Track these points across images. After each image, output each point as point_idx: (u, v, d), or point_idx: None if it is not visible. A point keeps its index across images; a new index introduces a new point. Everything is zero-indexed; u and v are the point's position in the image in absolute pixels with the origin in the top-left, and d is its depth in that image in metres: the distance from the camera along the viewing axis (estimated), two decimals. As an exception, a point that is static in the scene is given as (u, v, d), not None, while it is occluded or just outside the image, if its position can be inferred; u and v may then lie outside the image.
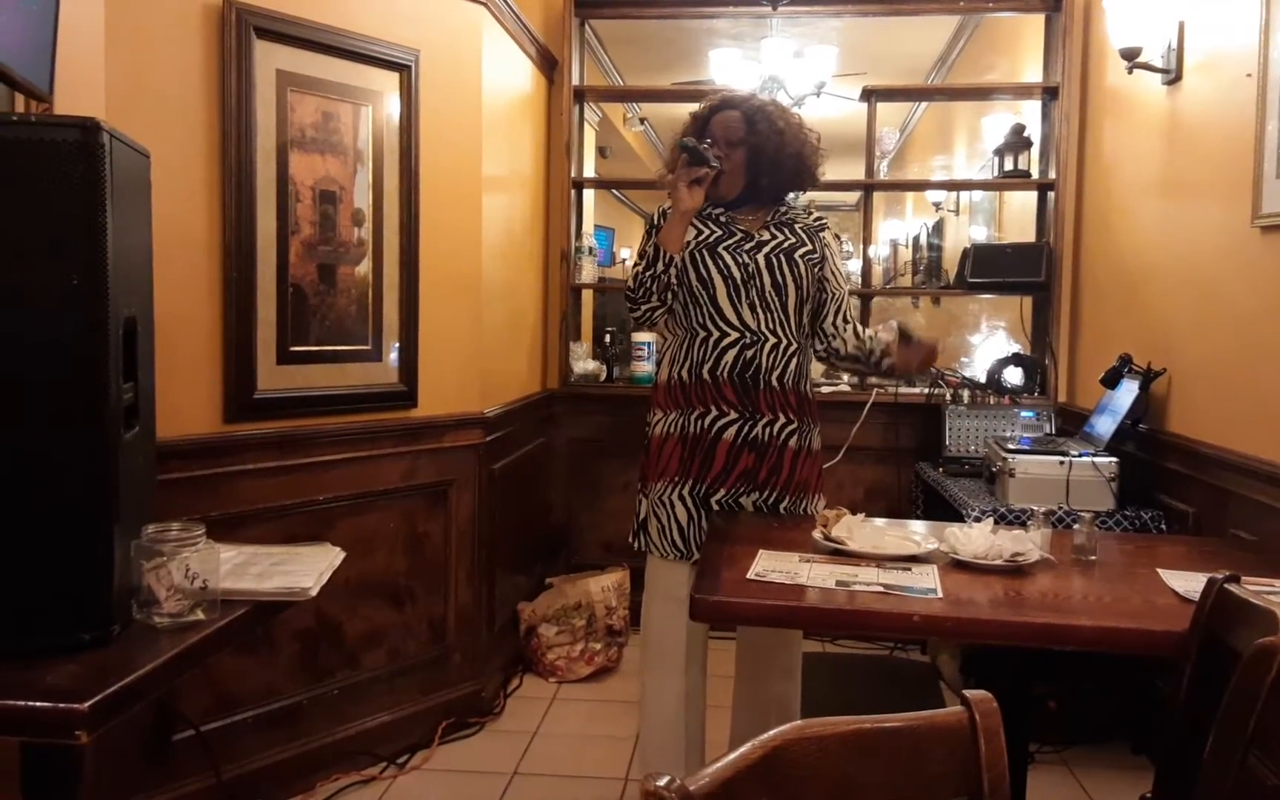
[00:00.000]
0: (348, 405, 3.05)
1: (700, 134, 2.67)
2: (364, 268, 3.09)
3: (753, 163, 2.68)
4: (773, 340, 2.64)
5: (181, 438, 2.56)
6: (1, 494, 1.39)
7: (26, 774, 1.51)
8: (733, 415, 2.63)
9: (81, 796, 1.57)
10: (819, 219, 2.79)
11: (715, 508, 2.62)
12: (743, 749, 0.95)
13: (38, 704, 1.26)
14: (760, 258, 2.64)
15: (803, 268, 2.67)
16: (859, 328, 2.79)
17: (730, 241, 2.66)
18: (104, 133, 1.41)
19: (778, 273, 2.64)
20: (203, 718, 2.66)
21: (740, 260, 2.63)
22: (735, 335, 2.63)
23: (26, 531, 1.40)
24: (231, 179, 2.69)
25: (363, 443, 3.10)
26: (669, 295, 2.65)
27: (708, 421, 2.63)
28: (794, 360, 2.67)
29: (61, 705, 1.25)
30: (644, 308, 2.67)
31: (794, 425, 2.66)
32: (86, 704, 1.24)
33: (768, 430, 2.64)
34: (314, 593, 1.70)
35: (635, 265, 2.73)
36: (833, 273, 2.76)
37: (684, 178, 2.55)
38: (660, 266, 2.61)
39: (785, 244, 2.68)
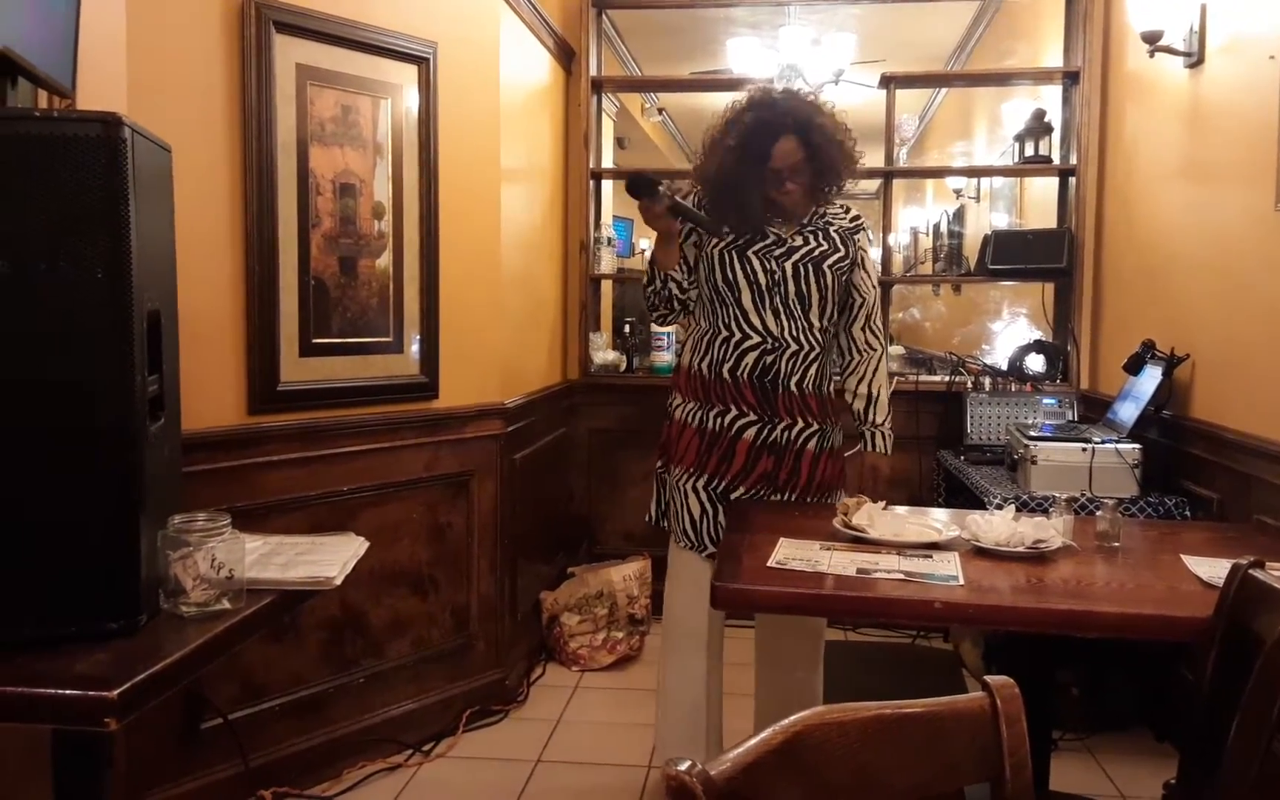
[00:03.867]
0: (369, 397, 3.07)
1: (751, 152, 2.62)
2: (384, 260, 3.10)
3: (815, 187, 2.66)
4: (793, 347, 2.63)
5: (206, 429, 2.58)
6: (30, 486, 1.41)
7: (57, 761, 1.53)
8: (752, 416, 2.63)
9: (111, 783, 1.59)
10: (856, 218, 2.76)
11: None
12: (764, 734, 0.96)
13: (68, 692, 1.27)
14: (788, 265, 2.63)
15: (829, 278, 2.65)
16: (873, 388, 2.75)
17: (761, 245, 2.65)
18: (126, 127, 1.42)
19: (803, 282, 2.63)
20: (230, 706, 2.69)
21: (768, 266, 2.62)
22: (757, 339, 2.62)
23: (55, 523, 1.42)
24: (252, 173, 2.71)
25: (385, 434, 3.11)
26: (678, 303, 2.73)
27: (727, 420, 2.64)
28: (814, 365, 2.66)
29: (91, 693, 1.26)
30: (662, 313, 2.78)
31: (814, 428, 2.66)
32: (115, 692, 1.26)
33: (786, 434, 2.64)
34: (338, 582, 1.71)
35: (646, 279, 2.78)
36: (863, 278, 2.73)
37: (649, 211, 2.59)
38: (659, 284, 2.69)
39: (816, 251, 2.65)
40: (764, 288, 2.62)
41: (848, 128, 2.70)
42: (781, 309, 2.63)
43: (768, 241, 2.65)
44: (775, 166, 2.61)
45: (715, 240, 2.66)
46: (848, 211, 2.76)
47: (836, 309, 2.71)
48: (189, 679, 1.46)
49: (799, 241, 2.66)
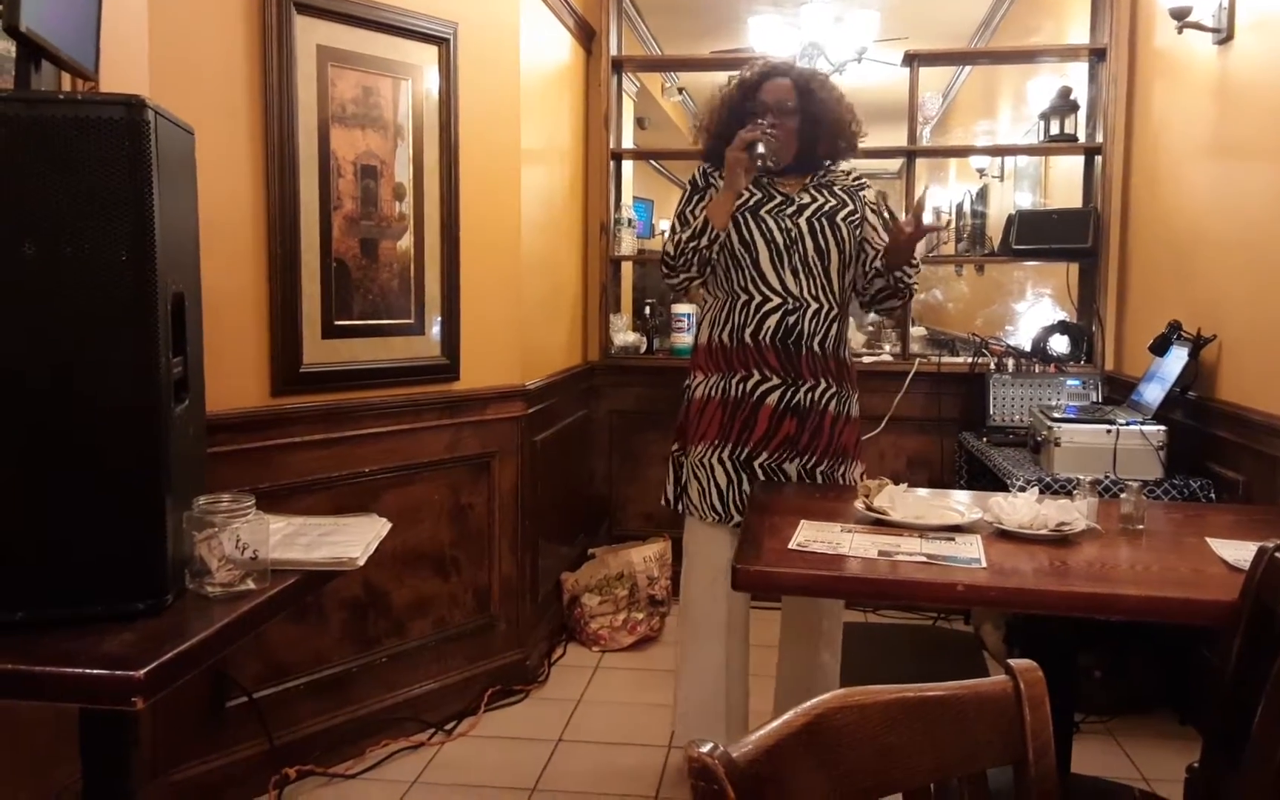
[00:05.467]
0: (391, 378, 3.08)
1: (749, 98, 2.69)
2: (405, 242, 3.10)
3: (805, 131, 2.69)
4: (814, 305, 2.63)
5: (230, 411, 2.60)
6: (57, 468, 1.42)
7: (84, 739, 1.55)
8: (775, 380, 2.63)
9: (137, 761, 1.61)
10: (858, 178, 2.79)
11: (759, 472, 2.63)
12: (786, 716, 0.96)
13: (95, 671, 1.29)
14: (802, 222, 2.64)
15: (845, 231, 2.66)
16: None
17: (772, 205, 2.66)
18: (149, 110, 1.43)
19: (820, 237, 2.64)
20: (255, 685, 2.72)
21: (783, 224, 2.63)
22: (778, 300, 2.62)
23: (82, 504, 1.43)
24: (274, 155, 2.71)
25: (407, 415, 3.13)
26: (707, 268, 2.67)
27: (749, 385, 2.64)
28: (835, 326, 2.67)
29: (118, 672, 1.28)
30: (682, 277, 2.71)
31: (834, 390, 2.66)
32: (142, 671, 1.27)
33: (809, 395, 2.64)
34: (361, 562, 1.72)
35: (674, 230, 2.73)
36: (873, 232, 2.74)
37: (742, 161, 2.56)
38: (705, 240, 2.63)
39: (827, 206, 2.67)
40: (781, 246, 2.63)
41: (851, 107, 2.75)
42: (801, 267, 2.63)
43: (776, 201, 2.67)
44: (764, 99, 2.67)
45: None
46: (849, 173, 2.80)
47: (851, 268, 2.71)
48: (214, 659, 1.48)
49: (807, 199, 2.69)
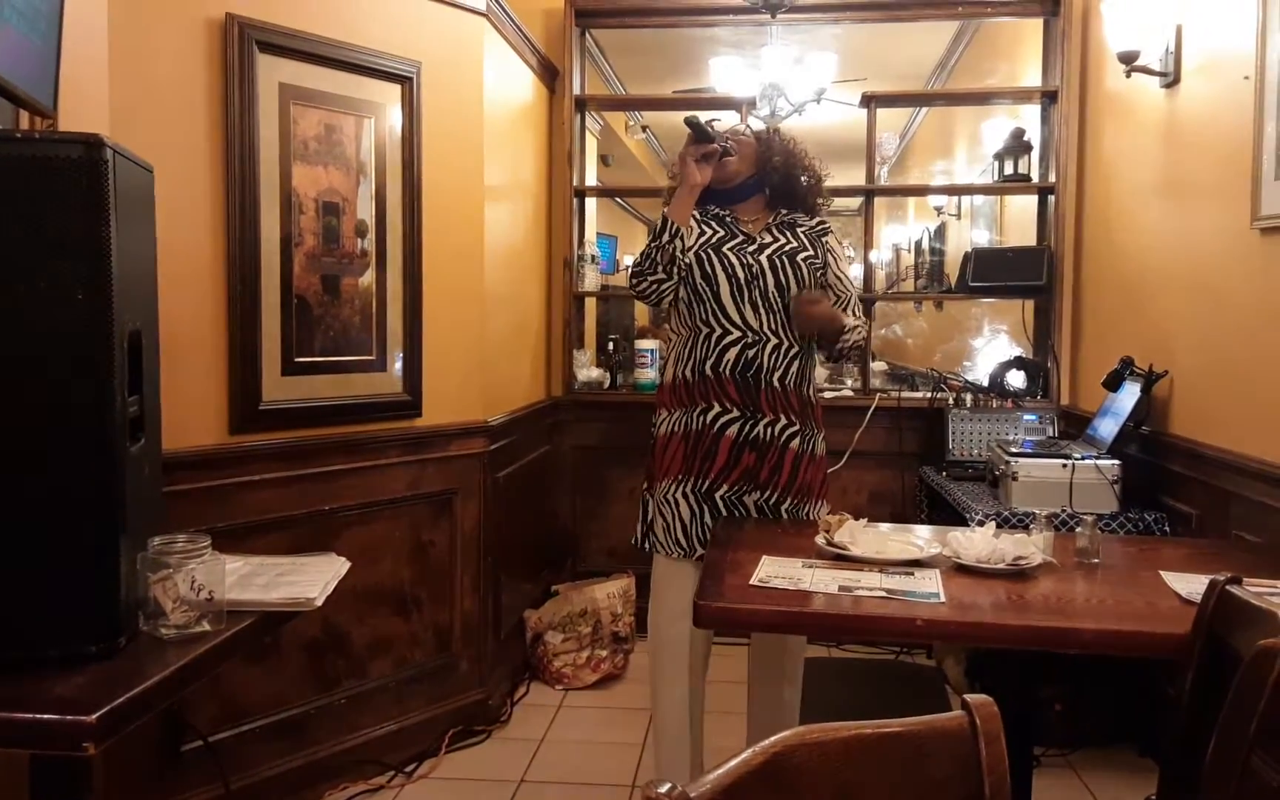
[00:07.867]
0: (353, 415, 3.06)
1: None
2: (367, 278, 3.10)
3: (762, 155, 2.76)
4: (774, 341, 2.66)
5: (187, 449, 2.57)
6: (9, 507, 1.40)
7: (35, 786, 1.52)
8: (735, 412, 2.65)
9: (90, 807, 1.58)
10: (821, 223, 2.83)
11: (720, 505, 2.64)
12: (744, 754, 0.96)
13: (46, 716, 1.27)
14: (763, 259, 2.68)
15: (805, 271, 2.70)
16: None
17: (734, 243, 2.71)
18: (107, 148, 1.43)
19: (780, 274, 2.67)
20: (211, 728, 2.66)
21: (744, 260, 2.67)
22: (737, 334, 2.65)
23: (34, 544, 1.41)
24: (235, 192, 2.70)
25: (368, 452, 3.11)
26: (674, 269, 2.66)
27: (710, 418, 2.66)
28: (796, 362, 2.69)
29: (69, 717, 1.25)
30: (650, 279, 2.67)
31: (795, 427, 2.68)
32: (94, 716, 1.25)
33: (769, 430, 2.66)
34: (319, 603, 1.71)
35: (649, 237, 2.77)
36: (837, 278, 2.78)
37: (692, 154, 2.63)
38: (666, 238, 2.65)
39: (787, 247, 2.72)
40: (742, 282, 2.66)
41: (812, 168, 2.82)
42: (761, 302, 2.66)
43: (739, 239, 2.72)
44: (721, 130, 2.74)
45: (692, 245, 2.68)
46: (812, 217, 2.84)
47: None
48: (168, 702, 1.45)
49: (768, 238, 2.74)
